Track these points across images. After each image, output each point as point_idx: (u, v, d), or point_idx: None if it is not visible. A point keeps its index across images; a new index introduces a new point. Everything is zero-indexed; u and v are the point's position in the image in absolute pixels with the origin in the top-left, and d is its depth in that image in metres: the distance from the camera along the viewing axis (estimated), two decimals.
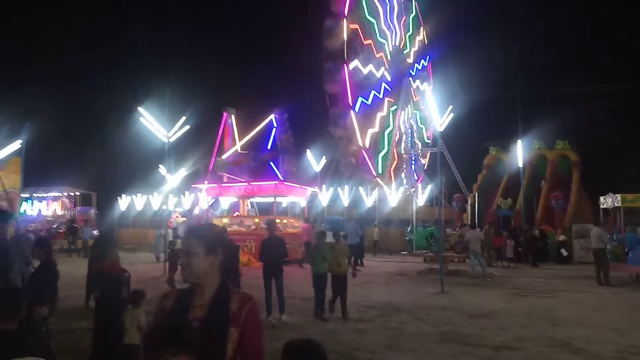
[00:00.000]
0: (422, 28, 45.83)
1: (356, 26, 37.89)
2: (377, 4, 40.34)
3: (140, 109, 17.72)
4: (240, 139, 29.08)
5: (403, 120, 40.60)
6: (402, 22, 43.06)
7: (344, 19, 37.09)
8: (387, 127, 39.83)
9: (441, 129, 14.57)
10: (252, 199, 24.85)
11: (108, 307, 5.42)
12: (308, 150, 28.08)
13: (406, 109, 41.22)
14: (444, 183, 26.83)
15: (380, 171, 37.56)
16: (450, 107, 15.69)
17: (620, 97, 45.34)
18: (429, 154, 43.44)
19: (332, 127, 36.72)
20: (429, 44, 46.47)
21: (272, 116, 27.16)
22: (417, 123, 43.34)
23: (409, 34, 43.80)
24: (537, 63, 54.43)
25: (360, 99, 37.36)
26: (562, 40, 62.28)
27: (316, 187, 26.18)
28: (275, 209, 21.84)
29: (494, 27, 61.11)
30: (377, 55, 39.67)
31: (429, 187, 31.96)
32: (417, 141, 43.14)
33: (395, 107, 40.32)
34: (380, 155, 38.48)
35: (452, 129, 23.69)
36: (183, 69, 55.28)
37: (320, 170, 28.54)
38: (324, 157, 30.07)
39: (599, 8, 58.73)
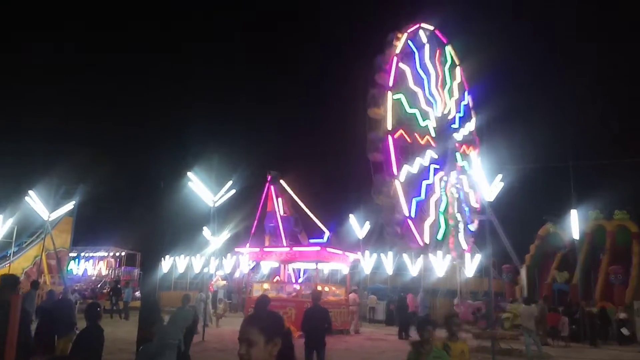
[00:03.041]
0: (466, 93, 46.00)
1: (400, 96, 38.51)
2: (422, 73, 41.08)
3: (189, 173, 18.19)
4: (283, 203, 29.23)
5: (450, 186, 39.92)
6: (446, 89, 43.49)
7: (389, 91, 37.81)
8: (434, 194, 39.16)
9: (490, 198, 14.07)
10: (293, 264, 24.51)
11: None
12: (351, 216, 27.80)
13: (452, 174, 40.66)
14: (493, 253, 25.64)
15: (426, 241, 36.51)
16: (500, 175, 15.18)
17: None
18: (477, 221, 42.14)
19: (376, 195, 36.44)
20: (475, 109, 46.40)
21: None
22: (464, 189, 42.48)
23: (454, 99, 44.00)
24: (592, 130, 53.03)
25: (405, 167, 37.22)
26: (618, 105, 60.83)
27: (359, 253, 25.63)
28: (317, 276, 21.37)
29: (544, 92, 60.75)
30: (422, 124, 39.87)
31: (478, 256, 30.71)
32: (465, 207, 42.04)
33: (441, 173, 39.83)
34: (427, 223, 37.57)
35: (502, 196, 22.96)
36: (231, 136, 57.51)
37: (363, 236, 28.06)
38: (367, 222, 29.66)
39: None
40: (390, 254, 30.73)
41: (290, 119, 73.04)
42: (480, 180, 14.29)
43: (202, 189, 18.30)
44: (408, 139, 38.30)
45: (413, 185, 37.56)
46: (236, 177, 19.85)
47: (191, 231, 33.43)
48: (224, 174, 19.51)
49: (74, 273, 34.57)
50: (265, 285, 21.83)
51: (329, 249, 20.89)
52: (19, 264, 29.72)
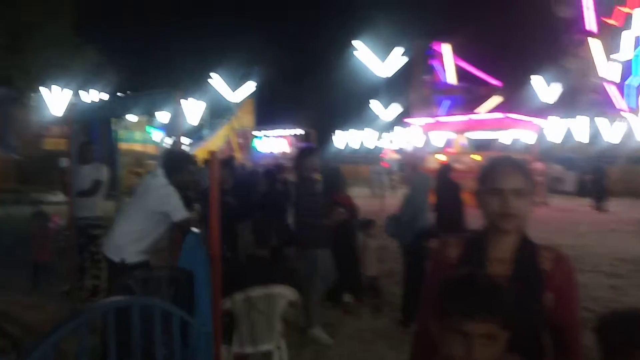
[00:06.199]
0: None
1: None
2: None
3: (355, 42, 17.54)
4: (456, 71, 27.19)
5: None
6: None
7: None
8: None
9: None
10: (468, 134, 23.20)
11: (342, 235, 5.64)
12: (535, 77, 24.74)
13: None
14: None
15: (630, 104, 31.03)
16: None
17: None
18: None
19: (565, 57, 31.51)
20: None
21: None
22: None
23: None
24: None
25: (602, 21, 31.09)
26: None
27: (544, 120, 23.10)
28: (495, 145, 19.94)
29: None
30: None
31: None
32: None
33: None
34: (632, 84, 31.57)
35: None
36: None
37: (549, 100, 25.06)
38: (553, 85, 26.21)
39: None
40: (581, 120, 27.20)
41: None
42: None
43: (370, 58, 17.63)
44: None
45: (613, 40, 31.40)
46: (406, 45, 18.59)
47: (362, 105, 33.63)
48: (392, 41, 18.40)
49: (259, 150, 38.10)
50: (441, 157, 21.18)
51: (513, 115, 19.05)
52: (213, 143, 33.62)
